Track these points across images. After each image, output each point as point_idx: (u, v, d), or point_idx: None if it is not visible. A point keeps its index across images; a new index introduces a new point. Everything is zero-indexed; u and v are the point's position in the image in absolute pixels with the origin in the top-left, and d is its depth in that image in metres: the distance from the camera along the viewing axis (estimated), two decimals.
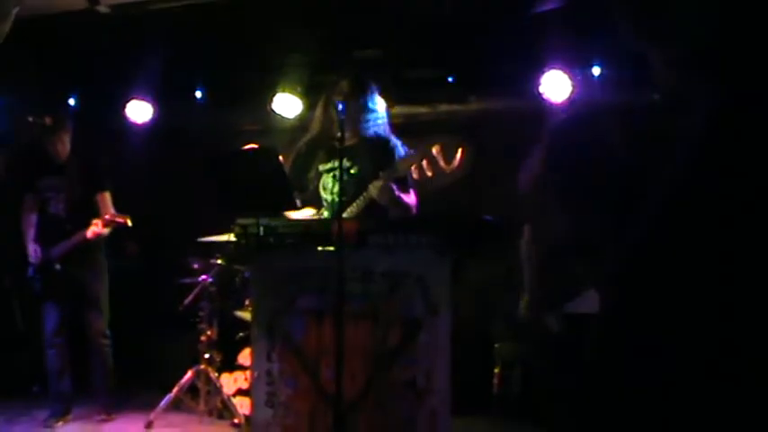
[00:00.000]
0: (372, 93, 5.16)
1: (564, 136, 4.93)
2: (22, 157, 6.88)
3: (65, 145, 6.52)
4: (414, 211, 4.95)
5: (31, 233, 6.58)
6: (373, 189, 4.68)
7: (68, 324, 6.61)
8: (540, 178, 4.96)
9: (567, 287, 4.74)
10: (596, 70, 6.98)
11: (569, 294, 4.70)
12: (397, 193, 4.75)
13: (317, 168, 5.13)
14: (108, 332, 6.66)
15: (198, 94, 8.31)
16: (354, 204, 4.76)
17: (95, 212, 6.49)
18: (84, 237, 6.35)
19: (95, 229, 6.32)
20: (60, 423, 6.44)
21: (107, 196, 6.62)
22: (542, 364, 5.63)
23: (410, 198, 4.91)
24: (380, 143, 5.04)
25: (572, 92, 6.88)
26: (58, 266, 6.45)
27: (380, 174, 4.67)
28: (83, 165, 6.59)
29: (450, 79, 7.50)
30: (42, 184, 6.56)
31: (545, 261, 4.94)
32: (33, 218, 6.61)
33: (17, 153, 7.02)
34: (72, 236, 6.39)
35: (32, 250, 6.50)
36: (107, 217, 6.37)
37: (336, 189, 4.88)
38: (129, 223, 6.40)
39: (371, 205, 4.75)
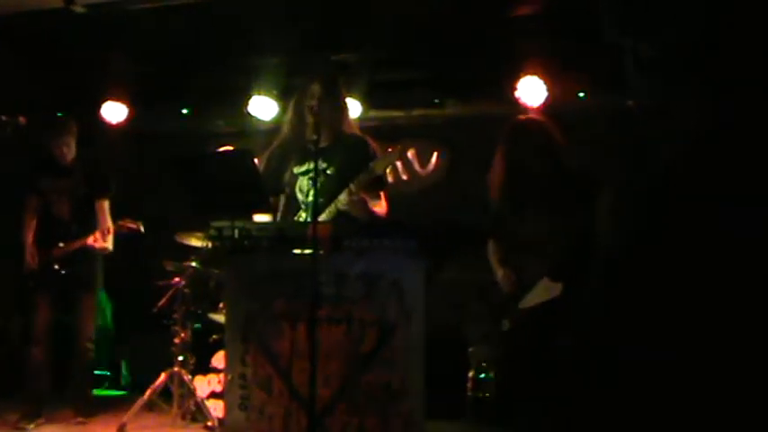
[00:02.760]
0: (342, 93, 5.18)
1: (520, 137, 5.02)
2: (27, 158, 6.91)
3: (70, 148, 6.56)
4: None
5: (30, 235, 6.58)
6: (343, 202, 4.67)
7: (55, 324, 6.59)
8: (503, 178, 5.05)
9: (522, 283, 4.83)
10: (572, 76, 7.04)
11: (523, 289, 4.79)
12: (369, 206, 4.76)
13: (292, 171, 5.10)
14: (93, 337, 6.63)
15: (173, 95, 8.29)
16: (327, 212, 4.74)
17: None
18: (85, 243, 6.42)
19: (97, 239, 6.42)
20: (32, 426, 6.31)
21: (106, 204, 6.63)
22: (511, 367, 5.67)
23: (381, 208, 4.90)
24: (356, 143, 5.03)
25: (547, 97, 6.92)
26: (56, 267, 6.44)
27: (352, 185, 4.64)
28: (88, 169, 6.62)
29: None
30: (45, 185, 6.59)
31: (505, 260, 5.05)
32: (35, 220, 6.62)
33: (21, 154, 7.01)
34: (77, 238, 6.44)
35: (30, 254, 6.50)
36: (120, 222, 6.47)
37: (312, 190, 4.87)
38: (142, 229, 6.51)
39: (341, 216, 4.74)
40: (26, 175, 6.77)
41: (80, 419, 6.51)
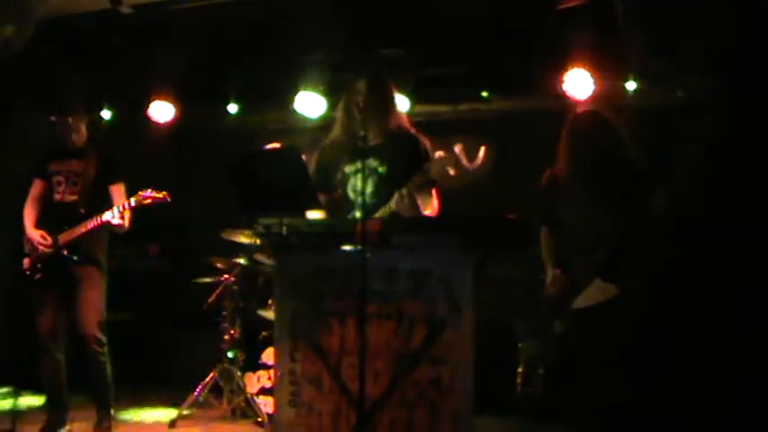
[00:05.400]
0: (392, 90, 5.13)
1: (581, 129, 4.94)
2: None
3: (78, 130, 6.17)
4: None
5: (30, 223, 6.10)
6: (398, 203, 4.63)
7: (66, 325, 6.07)
8: (560, 171, 4.99)
9: (572, 286, 4.77)
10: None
11: (572, 293, 4.73)
12: (419, 208, 4.72)
13: (344, 170, 5.05)
14: (104, 339, 6.01)
15: (220, 93, 8.33)
16: (380, 211, 4.71)
17: (109, 203, 6.06)
18: (101, 221, 5.87)
19: (114, 215, 5.87)
20: None
21: (122, 188, 6.16)
22: (562, 363, 5.62)
23: (432, 208, 4.87)
24: (408, 140, 4.99)
25: (595, 91, 6.86)
26: (65, 252, 5.93)
27: (404, 188, 4.60)
28: (99, 154, 6.18)
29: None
30: (52, 167, 6.17)
31: (558, 258, 4.99)
32: (40, 205, 6.16)
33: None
34: (86, 221, 5.93)
35: (39, 236, 5.98)
36: (142, 193, 5.92)
37: (366, 190, 4.81)
38: (169, 198, 5.97)
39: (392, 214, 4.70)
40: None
41: (103, 429, 6.05)
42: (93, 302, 6.02)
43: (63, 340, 6.08)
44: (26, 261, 6.06)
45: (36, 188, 6.22)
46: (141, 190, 5.98)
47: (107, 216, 5.88)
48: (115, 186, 6.16)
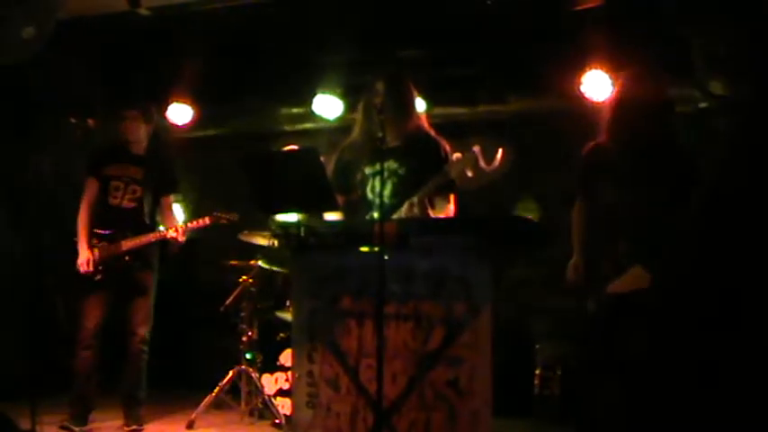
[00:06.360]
0: (411, 91, 5.12)
1: (628, 108, 4.75)
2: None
3: (141, 135, 6.33)
4: None
5: (85, 225, 6.21)
6: (408, 211, 4.62)
7: (105, 326, 6.23)
8: (601, 146, 4.84)
9: (611, 267, 4.68)
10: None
11: (612, 274, 4.64)
12: (430, 211, 4.71)
13: (364, 172, 5.02)
14: (148, 338, 6.32)
15: (238, 95, 8.34)
16: (399, 212, 4.69)
17: (158, 212, 6.38)
18: (165, 235, 6.17)
19: (175, 233, 6.15)
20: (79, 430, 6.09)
21: (172, 200, 6.46)
22: (584, 358, 5.56)
23: (449, 212, 4.84)
24: (429, 143, 4.97)
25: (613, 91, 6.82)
26: (127, 258, 6.16)
27: (422, 190, 4.59)
28: (159, 164, 6.39)
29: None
30: (108, 171, 6.31)
31: (591, 237, 4.87)
32: (95, 206, 6.28)
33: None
34: (148, 230, 6.21)
35: (86, 260, 6.08)
36: (217, 214, 6.28)
37: (385, 191, 4.81)
38: (237, 219, 6.37)
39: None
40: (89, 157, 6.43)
41: (134, 427, 6.24)
42: (149, 307, 6.35)
43: (101, 339, 6.22)
44: (83, 261, 6.11)
45: (92, 189, 6.32)
46: (219, 211, 6.33)
47: (172, 233, 6.18)
48: (167, 198, 6.43)
